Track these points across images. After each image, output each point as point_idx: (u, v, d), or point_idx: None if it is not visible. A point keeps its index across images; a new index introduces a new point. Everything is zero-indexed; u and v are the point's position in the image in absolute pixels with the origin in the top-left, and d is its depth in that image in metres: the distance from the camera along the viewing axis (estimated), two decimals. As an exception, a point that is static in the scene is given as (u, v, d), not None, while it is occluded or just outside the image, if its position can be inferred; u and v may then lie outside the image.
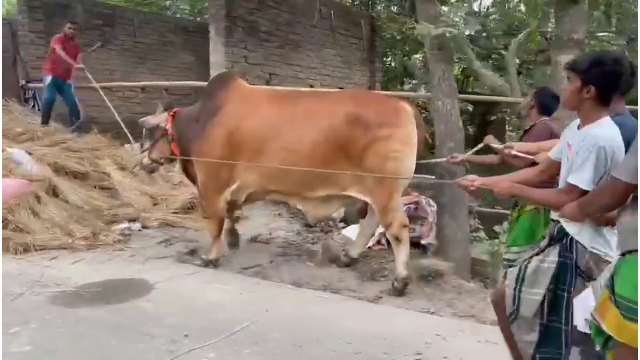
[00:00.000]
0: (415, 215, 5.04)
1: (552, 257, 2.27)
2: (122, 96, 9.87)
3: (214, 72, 6.63)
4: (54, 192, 5.66)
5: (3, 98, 7.89)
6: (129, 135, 7.07)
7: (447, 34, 4.59)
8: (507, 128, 13.77)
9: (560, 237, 2.27)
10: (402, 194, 4.93)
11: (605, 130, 2.15)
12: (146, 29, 10.44)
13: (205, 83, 10.04)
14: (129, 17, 10.10)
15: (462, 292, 4.14)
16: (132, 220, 5.60)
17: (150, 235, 5.39)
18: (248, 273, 4.52)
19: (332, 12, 8.79)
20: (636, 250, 1.81)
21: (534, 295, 2.27)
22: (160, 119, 4.91)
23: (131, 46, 10.19)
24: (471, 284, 4.36)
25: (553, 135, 3.46)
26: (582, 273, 2.25)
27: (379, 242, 5.11)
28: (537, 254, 2.35)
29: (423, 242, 4.91)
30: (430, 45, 4.93)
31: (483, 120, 13.72)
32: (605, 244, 2.20)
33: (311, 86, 8.35)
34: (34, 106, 8.87)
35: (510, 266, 2.73)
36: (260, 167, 4.32)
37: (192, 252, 4.93)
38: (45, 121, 7.78)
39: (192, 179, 4.97)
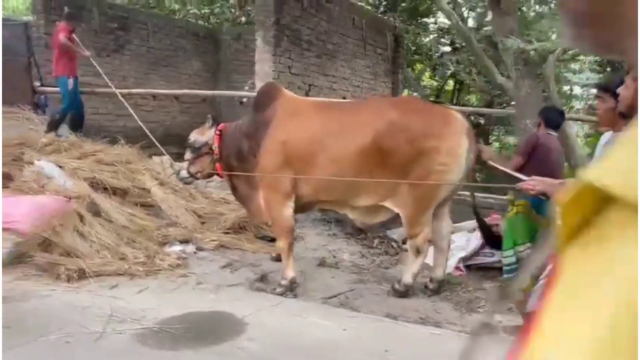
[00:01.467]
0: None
1: None
2: (134, 103, 9.35)
3: (259, 83, 6.26)
4: (95, 211, 5.19)
5: (17, 105, 7.32)
6: (159, 147, 6.63)
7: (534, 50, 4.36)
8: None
9: None
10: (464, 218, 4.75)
11: None
12: (159, 34, 9.96)
13: (213, 92, 9.84)
14: (143, 21, 9.61)
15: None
16: (185, 241, 5.18)
17: (208, 258, 4.98)
18: (333, 303, 4.18)
19: (363, 21, 8.53)
20: None
21: None
22: (208, 136, 4.64)
23: (145, 52, 9.70)
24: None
25: (538, 144, 3.93)
26: None
27: (457, 268, 4.84)
28: None
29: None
30: (514, 60, 4.71)
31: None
32: None
33: (344, 97, 8.07)
34: (44, 112, 8.29)
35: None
36: (310, 178, 4.19)
37: (263, 278, 4.57)
38: (53, 129, 7.23)
39: (242, 198, 4.69)
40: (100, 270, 4.42)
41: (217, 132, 4.61)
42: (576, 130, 9.53)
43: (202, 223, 5.61)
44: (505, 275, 3.98)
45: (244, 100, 6.64)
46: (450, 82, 14.79)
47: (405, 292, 4.25)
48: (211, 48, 11.17)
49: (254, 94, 6.29)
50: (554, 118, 4.08)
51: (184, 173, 4.77)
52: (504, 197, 4.80)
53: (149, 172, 6.00)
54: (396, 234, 5.67)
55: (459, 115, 4.15)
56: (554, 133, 4.06)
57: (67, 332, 3.29)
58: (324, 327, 3.60)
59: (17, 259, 4.58)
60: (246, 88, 9.07)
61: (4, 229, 4.68)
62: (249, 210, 4.76)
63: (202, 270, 4.68)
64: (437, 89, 13.96)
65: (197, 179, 4.93)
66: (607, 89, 2.51)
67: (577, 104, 12.51)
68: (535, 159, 3.98)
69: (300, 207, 4.45)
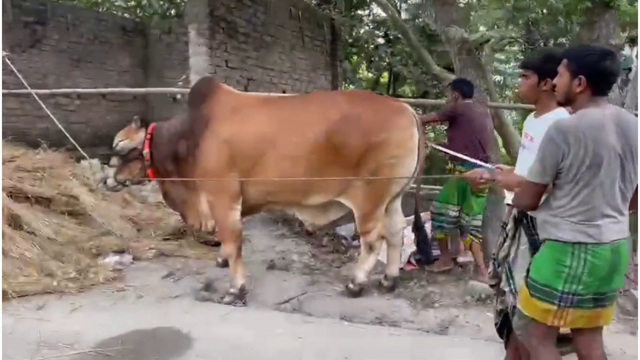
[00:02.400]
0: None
1: (523, 239, 2.50)
2: (55, 103, 8.67)
3: (195, 78, 5.89)
4: (15, 224, 4.69)
5: None
6: (81, 151, 6.12)
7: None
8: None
9: (521, 218, 2.50)
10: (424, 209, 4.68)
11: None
12: (81, 28, 9.28)
13: (145, 89, 9.29)
14: (62, 14, 8.90)
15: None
16: (120, 251, 4.77)
17: (147, 269, 4.61)
18: (286, 309, 3.97)
19: (300, 12, 8.27)
20: (547, 240, 2.19)
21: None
22: (136, 140, 4.27)
23: (66, 47, 9.00)
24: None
25: (457, 114, 4.39)
26: None
27: (409, 262, 4.75)
28: (509, 243, 2.57)
29: (460, 260, 4.62)
30: (457, 50, 4.65)
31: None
32: None
33: (284, 91, 7.80)
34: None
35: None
36: (255, 177, 3.96)
37: (209, 287, 4.29)
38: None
39: (174, 203, 4.43)
40: (24, 289, 3.97)
41: (148, 136, 4.25)
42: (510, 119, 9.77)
43: (139, 230, 5.21)
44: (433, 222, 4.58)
45: (178, 96, 6.25)
46: (386, 74, 14.86)
47: (359, 292, 4.10)
48: (140, 42, 10.55)
49: (188, 89, 5.95)
50: (466, 88, 4.43)
51: (111, 181, 4.36)
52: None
53: (76, 177, 5.51)
54: (345, 230, 5.52)
55: (408, 107, 4.03)
56: (470, 101, 4.46)
57: (-13, 366, 2.89)
58: (279, 337, 3.38)
59: None
60: (179, 83, 8.63)
61: None
62: (185, 216, 4.45)
63: (141, 282, 4.32)
64: (373, 82, 13.99)
65: (126, 186, 4.54)
66: (530, 65, 2.57)
67: (509, 93, 12.89)
68: (460, 128, 4.38)
69: (247, 210, 4.19)
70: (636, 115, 5.86)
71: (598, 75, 2.09)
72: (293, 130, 3.88)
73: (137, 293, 4.09)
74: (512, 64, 13.62)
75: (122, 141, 4.34)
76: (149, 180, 4.56)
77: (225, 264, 4.72)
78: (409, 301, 4.07)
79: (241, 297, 4.02)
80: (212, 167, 3.98)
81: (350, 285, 4.13)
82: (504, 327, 2.75)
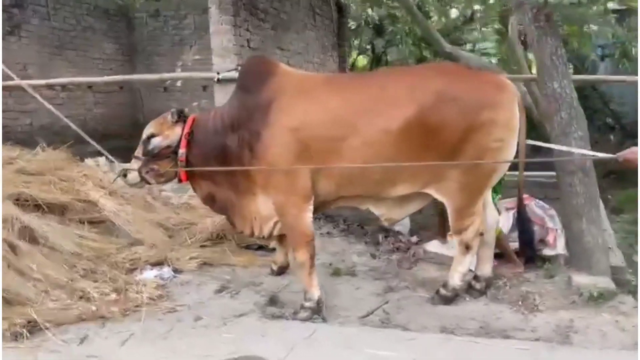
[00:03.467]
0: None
1: None
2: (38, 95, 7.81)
3: (218, 61, 5.19)
4: (30, 237, 3.97)
5: None
6: (98, 147, 5.38)
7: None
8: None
9: None
10: (504, 196, 4.17)
11: None
12: (62, 12, 8.37)
13: (138, 76, 8.46)
14: (41, -3, 7.99)
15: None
16: (158, 264, 4.12)
17: (194, 282, 3.97)
18: (374, 323, 3.40)
19: None
20: None
21: None
22: (171, 137, 3.65)
23: (47, 33, 8.10)
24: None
25: None
26: None
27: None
28: None
29: (550, 253, 4.13)
30: (533, 17, 4.12)
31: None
32: None
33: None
34: None
35: None
36: (335, 169, 3.35)
37: (274, 301, 3.68)
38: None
39: (222, 207, 3.81)
40: (58, 317, 3.29)
41: (187, 135, 3.60)
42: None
43: (171, 237, 4.54)
44: None
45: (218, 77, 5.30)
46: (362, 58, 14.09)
47: (453, 298, 3.57)
48: (124, 27, 9.68)
49: (212, 74, 5.25)
50: None
51: (133, 176, 3.72)
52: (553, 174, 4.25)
53: (89, 179, 4.77)
54: (400, 225, 4.97)
55: (509, 81, 3.47)
56: None
57: None
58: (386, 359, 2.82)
59: None
60: (178, 70, 7.91)
61: None
62: (234, 221, 3.83)
63: (192, 299, 3.69)
64: (371, 61, 13.34)
65: (149, 183, 3.87)
66: None
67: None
68: None
69: (314, 208, 3.59)
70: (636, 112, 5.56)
71: None
72: (377, 111, 3.28)
73: (193, 314, 3.46)
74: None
75: (155, 137, 3.67)
76: (179, 182, 3.89)
77: (280, 271, 4.13)
78: (510, 305, 3.56)
79: (318, 311, 3.43)
80: (279, 161, 3.35)
81: (443, 291, 3.59)
82: None
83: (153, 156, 3.69)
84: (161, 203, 5.08)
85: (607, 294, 3.52)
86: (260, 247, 4.64)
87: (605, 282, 3.66)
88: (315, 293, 3.45)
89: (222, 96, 5.07)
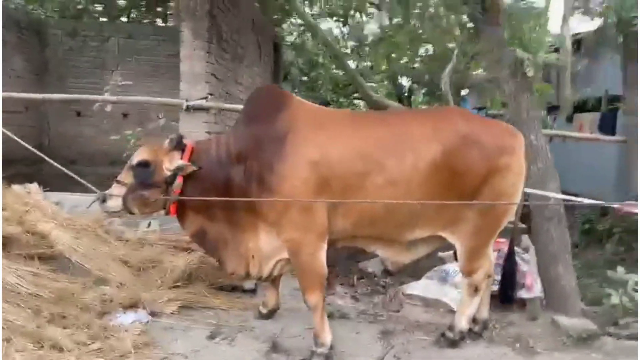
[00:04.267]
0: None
1: None
2: None
3: (186, 87, 4.80)
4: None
5: None
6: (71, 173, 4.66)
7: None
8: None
9: None
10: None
11: None
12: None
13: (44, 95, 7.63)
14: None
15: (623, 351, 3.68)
16: (131, 306, 3.62)
17: (178, 327, 3.54)
18: (389, 368, 3.26)
19: (253, 21, 7.40)
20: None
21: None
22: (167, 167, 3.30)
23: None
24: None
25: None
26: None
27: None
28: None
29: (527, 296, 4.30)
30: (511, 73, 4.44)
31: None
32: None
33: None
34: None
35: None
36: (353, 207, 3.22)
37: (276, 347, 3.38)
38: None
39: (214, 245, 3.49)
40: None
41: (183, 173, 3.28)
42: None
43: (136, 276, 4.03)
44: None
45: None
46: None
47: (458, 341, 3.56)
48: (35, 43, 8.77)
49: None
50: None
51: (115, 204, 3.32)
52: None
53: (36, 208, 4.13)
54: (372, 266, 4.91)
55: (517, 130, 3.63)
56: None
57: None
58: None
59: None
60: (106, 94, 7.31)
61: None
62: (225, 259, 3.51)
63: (185, 346, 3.27)
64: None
65: (132, 213, 3.46)
66: None
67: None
68: None
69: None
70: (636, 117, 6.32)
71: None
72: (403, 150, 3.25)
73: (192, 364, 3.06)
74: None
75: (149, 165, 3.29)
76: (166, 214, 3.52)
77: (270, 315, 3.84)
78: (508, 347, 3.63)
79: (330, 357, 3.22)
80: (296, 195, 3.15)
81: (450, 334, 3.55)
82: None
83: (140, 184, 3.30)
84: (114, 237, 4.52)
85: (593, 335, 3.73)
86: (234, 288, 4.30)
87: (587, 324, 3.88)
88: (328, 338, 3.25)
89: (191, 125, 4.72)
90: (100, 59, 8.88)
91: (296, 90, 11.32)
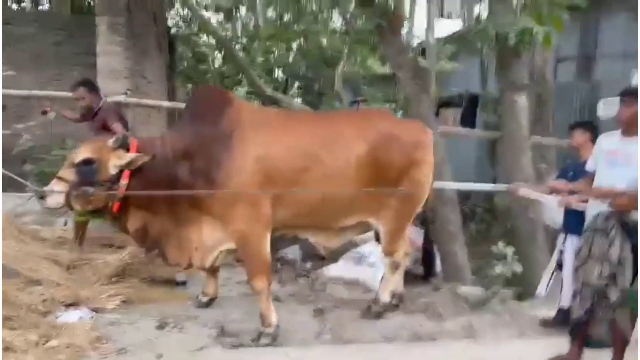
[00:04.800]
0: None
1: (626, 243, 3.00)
2: None
3: (107, 84, 4.65)
4: None
5: None
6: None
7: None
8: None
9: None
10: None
11: None
12: None
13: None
14: None
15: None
16: (71, 304, 3.61)
17: (124, 321, 3.62)
18: (329, 340, 3.67)
19: (154, 14, 7.21)
20: None
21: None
22: (112, 165, 3.37)
23: None
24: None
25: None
26: None
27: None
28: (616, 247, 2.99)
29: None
30: (412, 76, 5.06)
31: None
32: None
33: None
34: None
35: None
36: (294, 199, 3.59)
37: (225, 332, 3.63)
38: None
39: (152, 239, 3.65)
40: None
41: (129, 167, 3.38)
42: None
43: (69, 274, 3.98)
44: None
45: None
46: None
47: (382, 312, 4.07)
48: None
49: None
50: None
51: (56, 200, 3.34)
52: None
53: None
54: (292, 253, 5.28)
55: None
56: None
57: None
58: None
59: None
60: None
61: None
62: (167, 253, 3.69)
63: (137, 338, 3.40)
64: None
65: (72, 209, 3.50)
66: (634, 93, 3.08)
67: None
68: None
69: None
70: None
71: None
72: (335, 147, 3.65)
73: (150, 353, 3.20)
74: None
75: (91, 164, 3.34)
76: (109, 213, 3.57)
77: (209, 303, 4.05)
78: (422, 314, 4.22)
79: (277, 335, 3.55)
80: (243, 190, 3.42)
81: (375, 307, 4.06)
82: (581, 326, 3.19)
83: (85, 182, 3.33)
84: (30, 237, 4.37)
85: (485, 299, 4.48)
86: (167, 282, 4.42)
87: (479, 291, 4.63)
88: (274, 318, 3.57)
89: (111, 121, 4.67)
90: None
91: (190, 85, 11.23)
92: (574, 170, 4.00)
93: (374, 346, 3.60)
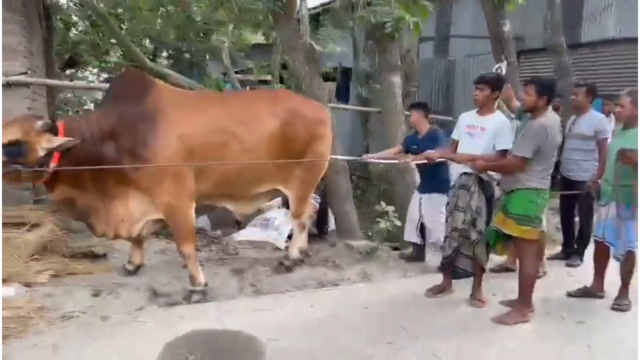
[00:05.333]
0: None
1: (481, 195, 4.00)
2: None
3: (6, 64, 4.49)
4: None
5: None
6: None
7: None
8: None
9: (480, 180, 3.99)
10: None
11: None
12: None
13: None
14: None
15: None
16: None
17: (57, 293, 3.85)
18: (250, 292, 4.26)
19: None
20: (517, 190, 3.65)
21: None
22: (39, 147, 3.55)
23: None
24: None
25: None
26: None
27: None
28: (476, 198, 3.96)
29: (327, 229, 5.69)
30: (305, 59, 5.64)
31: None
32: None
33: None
34: None
35: None
36: (214, 172, 4.08)
37: (157, 294, 4.03)
38: None
39: (80, 212, 4.00)
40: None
41: (58, 150, 3.60)
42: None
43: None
44: None
45: None
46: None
47: (292, 266, 4.72)
48: None
49: None
50: None
51: None
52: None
53: None
54: (202, 222, 5.70)
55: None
56: None
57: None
58: (310, 310, 3.85)
59: None
60: None
61: None
62: (94, 224, 4.02)
63: (77, 306, 3.70)
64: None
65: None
66: (486, 81, 3.96)
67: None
68: None
69: None
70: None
71: (553, 95, 3.74)
72: (249, 123, 4.17)
73: (94, 316, 3.54)
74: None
75: (19, 146, 3.50)
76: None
77: (136, 271, 4.40)
78: (324, 267, 4.94)
79: (206, 292, 4.05)
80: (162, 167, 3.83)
81: (286, 262, 4.70)
82: (450, 262, 4.13)
83: (14, 162, 3.50)
84: None
85: (373, 249, 5.32)
86: (85, 255, 4.63)
87: (369, 243, 5.47)
88: (202, 278, 4.06)
89: (14, 102, 4.66)
90: None
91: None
92: (411, 141, 5.03)
93: (289, 294, 4.25)
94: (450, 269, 4.20)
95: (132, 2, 10.95)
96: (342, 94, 13.92)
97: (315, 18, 10.71)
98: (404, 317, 3.78)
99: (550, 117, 3.70)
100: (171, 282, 4.26)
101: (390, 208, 5.89)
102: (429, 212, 4.92)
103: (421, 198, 4.98)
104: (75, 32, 11.47)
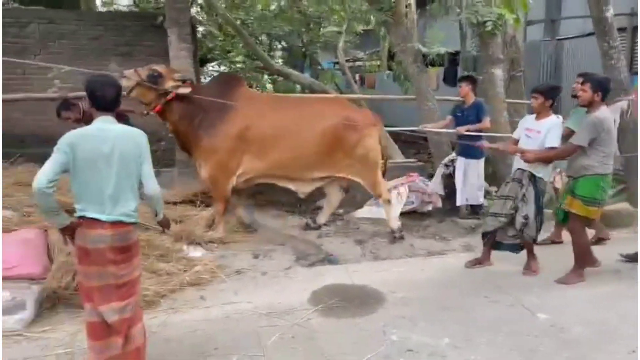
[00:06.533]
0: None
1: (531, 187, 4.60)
2: None
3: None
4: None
5: None
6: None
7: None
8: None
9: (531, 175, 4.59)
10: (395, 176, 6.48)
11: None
12: None
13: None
14: None
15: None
16: (192, 244, 5.12)
17: (228, 255, 5.13)
18: (371, 257, 5.25)
19: None
20: (583, 176, 4.29)
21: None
22: (170, 83, 5.09)
23: None
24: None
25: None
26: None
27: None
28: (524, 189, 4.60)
29: (431, 209, 6.51)
30: (413, 59, 6.48)
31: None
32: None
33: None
34: None
35: None
36: (267, 156, 5.34)
37: (298, 258, 5.15)
38: None
39: (182, 145, 5.55)
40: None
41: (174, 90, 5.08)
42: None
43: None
44: None
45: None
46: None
47: (401, 237, 5.67)
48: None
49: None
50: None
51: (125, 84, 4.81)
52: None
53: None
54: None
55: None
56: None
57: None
58: (421, 272, 4.78)
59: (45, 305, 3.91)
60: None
61: (8, 278, 3.85)
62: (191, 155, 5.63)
63: (242, 265, 4.91)
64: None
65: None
66: (540, 91, 4.58)
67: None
68: None
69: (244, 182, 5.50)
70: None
71: (607, 91, 4.31)
72: (303, 123, 5.35)
73: (259, 272, 4.75)
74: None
75: (159, 76, 5.07)
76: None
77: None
78: (433, 239, 5.82)
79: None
80: (218, 144, 5.24)
81: (396, 234, 5.67)
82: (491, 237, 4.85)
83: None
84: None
85: (478, 226, 6.06)
86: (246, 228, 5.91)
87: (473, 221, 6.23)
88: (221, 231, 5.46)
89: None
90: (20, 44, 9.17)
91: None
92: (459, 110, 6.18)
93: (402, 260, 5.19)
94: (490, 243, 4.89)
95: (255, 3, 12.23)
96: (450, 79, 14.29)
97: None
98: (497, 278, 4.59)
99: (603, 111, 4.28)
100: (310, 250, 5.38)
101: (493, 189, 6.58)
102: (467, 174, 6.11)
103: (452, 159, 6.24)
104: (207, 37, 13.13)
